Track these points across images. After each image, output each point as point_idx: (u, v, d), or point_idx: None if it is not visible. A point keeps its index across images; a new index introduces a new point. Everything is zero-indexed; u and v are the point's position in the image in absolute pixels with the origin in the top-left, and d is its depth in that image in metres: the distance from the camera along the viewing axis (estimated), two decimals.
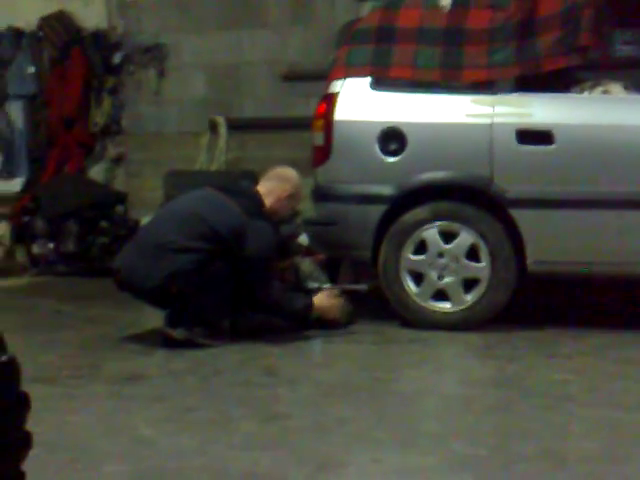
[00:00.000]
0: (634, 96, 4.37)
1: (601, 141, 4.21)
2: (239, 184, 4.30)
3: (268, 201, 4.19)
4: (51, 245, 6.47)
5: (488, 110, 4.32)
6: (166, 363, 3.86)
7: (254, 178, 4.36)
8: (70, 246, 6.42)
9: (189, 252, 3.93)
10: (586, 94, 4.38)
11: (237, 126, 6.84)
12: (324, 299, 4.27)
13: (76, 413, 3.14)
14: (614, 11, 4.32)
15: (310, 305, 4.20)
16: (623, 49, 6.23)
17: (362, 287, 4.51)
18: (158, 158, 7.03)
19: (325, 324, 4.29)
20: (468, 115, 4.35)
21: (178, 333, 3.99)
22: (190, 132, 6.95)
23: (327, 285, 4.48)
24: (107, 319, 4.77)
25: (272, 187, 4.21)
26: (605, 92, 4.36)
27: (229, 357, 3.89)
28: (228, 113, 6.90)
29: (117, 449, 2.78)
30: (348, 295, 4.41)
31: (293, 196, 4.26)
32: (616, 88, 4.36)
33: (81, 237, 6.43)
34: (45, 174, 7.06)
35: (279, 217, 4.28)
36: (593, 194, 4.20)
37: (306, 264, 4.57)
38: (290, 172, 4.33)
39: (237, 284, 4.04)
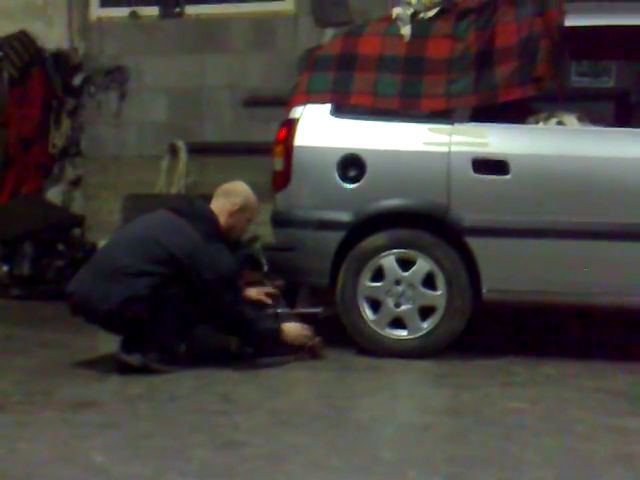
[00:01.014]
0: (587, 127, 4.43)
1: (555, 171, 4.26)
2: (193, 204, 4.25)
3: (222, 219, 4.16)
4: (5, 268, 6.37)
5: (445, 139, 4.34)
6: (120, 389, 3.81)
7: (207, 198, 4.33)
8: (25, 269, 6.32)
9: (145, 276, 3.90)
10: (541, 125, 4.43)
11: (197, 150, 6.83)
12: (291, 327, 4.22)
13: (27, 441, 3.08)
14: (570, 43, 4.39)
15: (279, 330, 4.16)
16: (578, 80, 6.36)
17: (317, 310, 4.51)
18: (117, 181, 6.99)
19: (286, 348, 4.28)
20: (426, 143, 4.37)
21: (133, 359, 3.94)
22: (150, 155, 6.92)
23: (284, 310, 4.45)
24: (61, 344, 4.70)
25: (221, 204, 4.18)
26: (560, 123, 4.42)
27: (185, 383, 3.85)
28: (188, 137, 6.89)
29: (69, 477, 2.73)
30: (305, 320, 4.39)
31: (245, 208, 4.21)
32: (570, 119, 4.43)
33: (36, 260, 6.34)
34: (1, 195, 6.96)
35: (237, 233, 4.26)
36: (548, 223, 4.23)
37: (267, 283, 4.55)
38: (237, 185, 4.29)
39: (194, 308, 4.00)
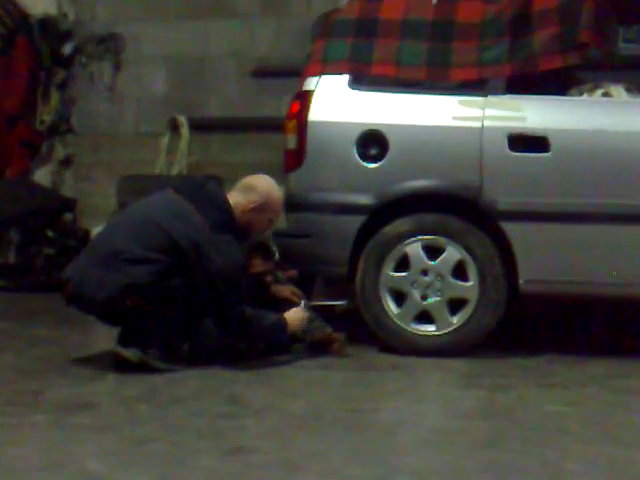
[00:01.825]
0: (636, 99, 4.41)
1: (601, 149, 4.25)
2: (206, 187, 4.22)
3: (236, 214, 4.15)
4: None
5: (478, 113, 4.34)
6: (117, 389, 3.83)
7: (220, 183, 4.33)
8: (11, 258, 6.36)
9: (146, 263, 3.91)
10: (585, 97, 4.42)
11: (201, 126, 6.85)
12: (292, 313, 4.24)
13: (15, 445, 3.10)
14: (617, 6, 4.36)
15: (281, 321, 4.17)
16: (626, 48, 6.31)
17: (336, 303, 4.52)
18: (112, 161, 7.02)
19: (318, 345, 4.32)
20: (456, 118, 4.37)
21: (131, 354, 3.96)
22: (148, 133, 6.94)
23: (302, 302, 4.47)
24: (52, 340, 4.72)
25: (237, 199, 4.17)
26: (606, 95, 4.40)
27: (188, 383, 3.86)
28: (191, 112, 6.91)
29: None
30: (324, 314, 4.41)
31: (263, 208, 4.20)
32: (617, 90, 4.40)
33: (23, 248, 6.39)
34: None
35: (255, 233, 4.27)
36: (592, 206, 4.23)
37: (281, 275, 4.57)
38: (258, 180, 4.27)
39: (199, 302, 4.02)
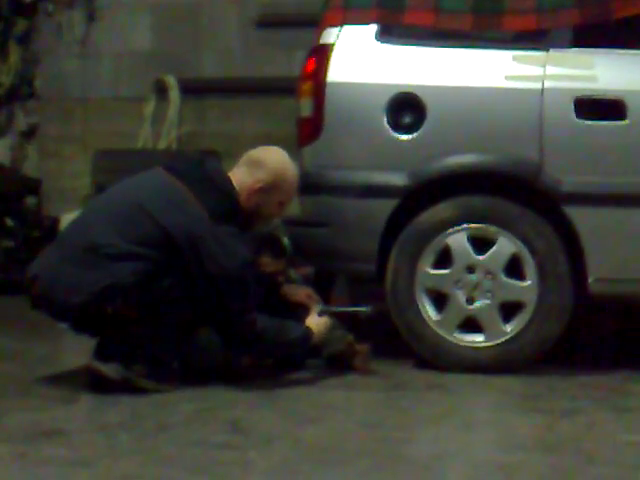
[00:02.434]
0: None
1: None
2: (204, 166, 4.20)
3: (241, 197, 4.14)
4: None
5: (537, 71, 4.34)
6: (94, 414, 3.84)
7: (218, 160, 4.33)
8: None
9: (131, 260, 3.92)
10: None
11: (194, 89, 6.85)
12: (317, 321, 4.26)
13: None
14: None
15: (308, 332, 4.19)
16: None
17: (364, 309, 4.50)
18: (84, 133, 7.04)
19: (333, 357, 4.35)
20: (510, 77, 4.37)
21: (112, 371, 3.97)
22: (129, 97, 6.96)
23: (318, 307, 4.46)
24: (13, 353, 4.74)
25: (242, 177, 4.16)
26: None
27: (180, 407, 3.87)
28: (182, 72, 6.91)
29: None
30: (345, 320, 4.42)
31: (273, 188, 4.18)
32: None
33: None
34: None
35: (263, 220, 4.26)
36: None
37: (293, 273, 4.58)
38: (268, 154, 4.25)
39: (194, 308, 4.03)
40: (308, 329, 4.21)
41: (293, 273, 4.65)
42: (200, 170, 4.17)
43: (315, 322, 4.26)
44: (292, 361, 4.36)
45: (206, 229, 3.97)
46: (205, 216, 3.99)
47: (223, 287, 3.98)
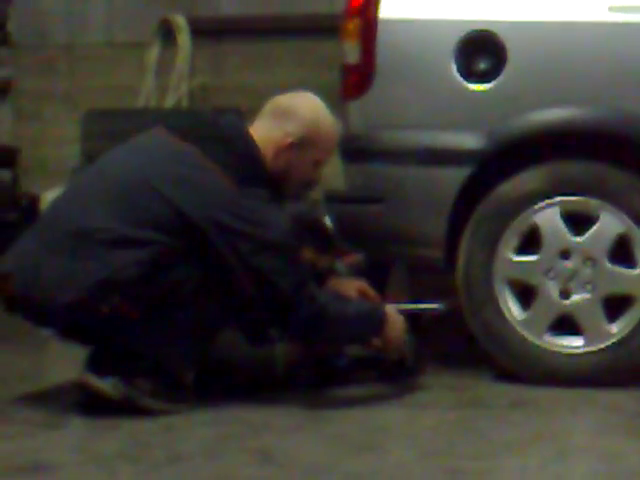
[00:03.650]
0: None
1: None
2: (221, 122, 4.23)
3: (266, 156, 4.16)
4: None
5: None
6: (88, 441, 3.85)
7: (240, 117, 4.33)
8: None
9: (133, 247, 3.93)
10: None
11: (208, 31, 6.84)
12: (396, 318, 4.27)
13: None
14: None
15: (383, 313, 4.20)
16: None
17: (436, 307, 4.54)
18: (71, 89, 7.06)
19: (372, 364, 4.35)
20: (615, 9, 4.36)
21: (109, 387, 3.98)
22: (127, 43, 6.96)
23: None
24: None
25: (265, 132, 4.19)
26: None
27: (196, 432, 3.88)
28: (192, 9, 6.90)
29: None
30: (410, 322, 4.42)
31: (307, 142, 4.20)
32: None
33: None
34: None
35: (293, 185, 4.25)
36: None
37: (341, 268, 4.57)
38: (300, 100, 4.30)
39: (214, 307, 4.04)
40: (379, 309, 4.22)
41: (338, 264, 4.65)
42: (211, 127, 4.22)
43: (394, 318, 4.25)
44: (335, 373, 4.39)
45: (233, 200, 3.99)
46: (228, 184, 4.00)
47: (268, 264, 3.99)
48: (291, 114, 4.22)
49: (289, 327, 4.10)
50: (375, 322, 4.20)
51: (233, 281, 4.02)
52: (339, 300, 4.16)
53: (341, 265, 4.65)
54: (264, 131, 4.19)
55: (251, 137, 4.15)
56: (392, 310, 4.28)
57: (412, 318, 4.48)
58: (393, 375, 4.41)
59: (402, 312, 4.47)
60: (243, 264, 3.99)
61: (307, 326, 4.07)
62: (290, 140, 4.18)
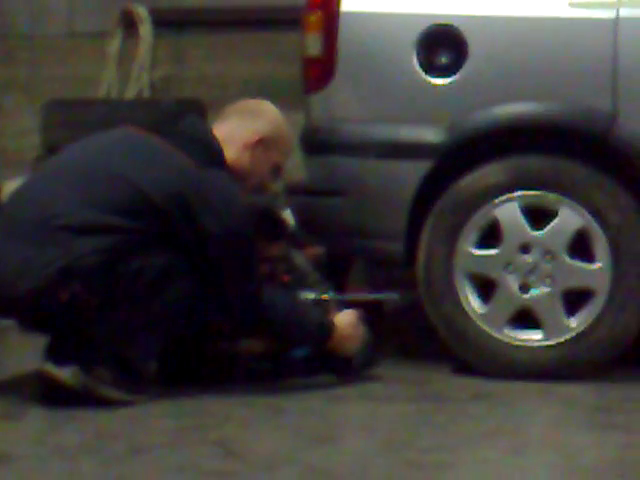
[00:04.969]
0: None
1: None
2: (183, 122, 4.28)
3: (230, 153, 4.21)
4: None
5: None
6: (47, 433, 3.83)
7: (202, 111, 4.34)
8: None
9: (95, 233, 3.92)
10: None
11: (170, 22, 6.82)
12: (347, 320, 4.30)
13: None
14: None
15: (330, 325, 4.24)
16: None
17: (391, 297, 4.54)
18: (31, 79, 7.03)
19: (331, 363, 4.34)
20: (575, 4, 4.37)
21: (68, 376, 3.96)
22: (89, 33, 6.94)
23: (330, 294, 4.49)
24: None
25: (231, 130, 4.26)
26: None
27: (158, 424, 3.87)
28: (155, 0, 6.88)
29: None
30: (365, 313, 4.42)
31: (272, 142, 4.28)
32: None
33: None
34: None
35: (252, 182, 4.31)
36: None
37: (299, 259, 4.57)
38: (265, 104, 4.40)
39: (177, 292, 4.03)
40: (329, 322, 4.25)
41: (299, 257, 4.65)
42: (178, 127, 4.26)
43: (344, 319, 4.29)
44: (294, 364, 4.39)
45: (194, 178, 4.02)
46: (190, 164, 4.04)
47: (220, 248, 4.03)
48: (260, 114, 4.32)
49: (226, 320, 4.16)
50: (320, 327, 4.25)
51: (194, 267, 4.03)
52: (286, 302, 4.19)
53: (301, 258, 4.65)
54: (229, 130, 4.25)
55: (214, 137, 4.20)
56: (345, 316, 4.30)
57: (373, 310, 4.50)
58: (337, 372, 4.41)
59: (363, 299, 4.51)
60: (204, 248, 4.02)
61: (246, 321, 4.13)
62: (258, 137, 4.25)
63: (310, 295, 4.45)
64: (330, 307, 4.42)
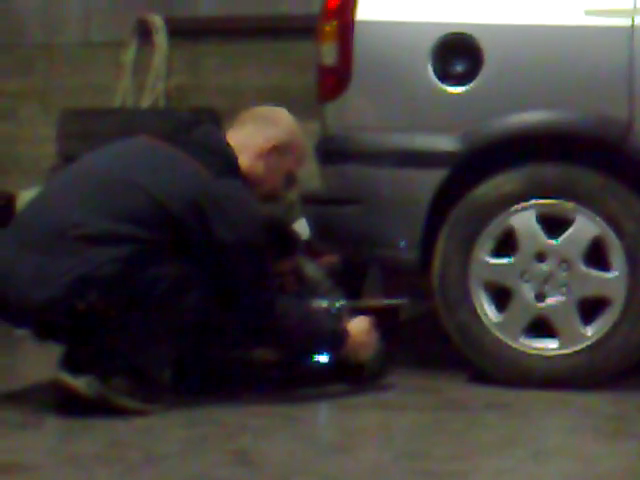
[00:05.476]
0: None
1: None
2: (197, 130, 4.27)
3: (244, 160, 4.21)
4: None
5: (626, 3, 4.33)
6: (62, 442, 3.83)
7: (217, 120, 4.34)
8: None
9: (112, 243, 3.92)
10: None
11: (186, 32, 6.83)
12: (360, 327, 4.31)
13: None
14: None
15: (344, 333, 4.23)
16: None
17: (400, 302, 4.58)
18: (47, 88, 7.04)
19: (344, 370, 4.34)
20: (590, 13, 4.36)
21: (84, 385, 3.96)
22: (104, 42, 6.95)
23: (342, 303, 4.50)
24: None
25: (245, 137, 4.26)
26: None
27: (172, 433, 3.88)
28: (170, 9, 6.89)
29: None
30: (378, 319, 4.42)
31: (286, 149, 4.28)
32: None
33: None
34: None
35: (266, 190, 4.30)
36: None
37: (311, 269, 4.56)
38: (279, 112, 4.40)
39: (192, 304, 4.02)
40: (343, 329, 4.24)
41: (310, 266, 4.64)
42: (193, 135, 4.25)
43: (357, 327, 4.29)
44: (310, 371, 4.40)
45: (209, 187, 4.02)
46: (205, 173, 4.05)
47: (234, 256, 4.03)
48: (274, 120, 4.32)
49: (240, 330, 4.14)
50: (333, 336, 4.25)
51: (209, 277, 4.03)
52: (299, 311, 4.19)
53: (315, 268, 4.64)
54: (243, 136, 4.25)
55: (229, 146, 4.20)
56: (359, 324, 4.30)
57: (389, 319, 4.49)
58: (349, 379, 4.41)
59: (374, 305, 4.50)
60: (219, 256, 4.02)
61: (258, 331, 4.13)
62: (273, 144, 4.25)
63: (323, 303, 4.46)
64: (343, 315, 4.42)
